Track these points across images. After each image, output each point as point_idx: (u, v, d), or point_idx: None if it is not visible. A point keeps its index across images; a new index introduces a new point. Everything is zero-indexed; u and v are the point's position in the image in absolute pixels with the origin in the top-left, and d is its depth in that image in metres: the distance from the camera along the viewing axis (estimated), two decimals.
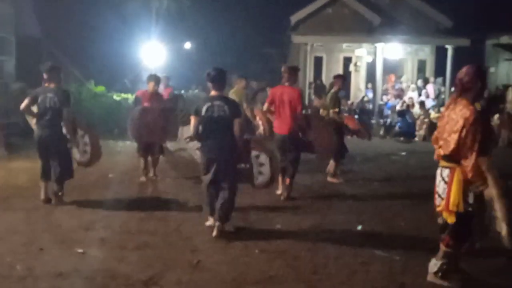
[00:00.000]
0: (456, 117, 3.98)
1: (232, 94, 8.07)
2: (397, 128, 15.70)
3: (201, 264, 4.61)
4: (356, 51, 19.71)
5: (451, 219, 4.06)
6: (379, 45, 17.79)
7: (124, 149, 11.46)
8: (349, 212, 6.55)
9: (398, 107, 16.70)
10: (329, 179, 8.43)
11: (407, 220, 6.29)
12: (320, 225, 5.95)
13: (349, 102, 17.96)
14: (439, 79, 18.54)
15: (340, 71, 19.61)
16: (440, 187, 4.18)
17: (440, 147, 4.19)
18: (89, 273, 4.35)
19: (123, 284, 4.16)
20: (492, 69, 21.84)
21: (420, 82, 18.77)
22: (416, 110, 16.35)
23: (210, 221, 5.64)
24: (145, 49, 17.80)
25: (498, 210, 3.87)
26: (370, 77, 18.78)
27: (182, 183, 8.21)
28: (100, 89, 15.53)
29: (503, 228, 3.85)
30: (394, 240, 5.43)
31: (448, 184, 4.08)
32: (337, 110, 8.35)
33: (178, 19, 20.46)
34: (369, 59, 19.17)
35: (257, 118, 8.13)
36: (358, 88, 19.27)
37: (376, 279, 4.37)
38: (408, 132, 15.38)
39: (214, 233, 5.33)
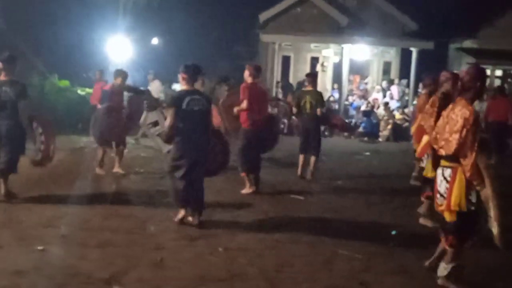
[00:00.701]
0: (456, 117, 4.04)
1: None
2: (361, 128, 15.91)
3: (164, 262, 4.58)
4: (323, 51, 19.88)
5: (451, 218, 4.11)
6: (346, 46, 17.99)
7: (87, 145, 11.27)
8: (312, 211, 6.61)
9: (363, 108, 16.92)
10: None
11: (369, 219, 6.38)
12: (284, 223, 5.98)
13: None
14: (404, 81, 18.87)
15: (307, 70, 19.71)
16: (442, 186, 4.20)
17: (440, 147, 4.22)
18: (49, 271, 4.26)
19: (83, 282, 4.09)
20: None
21: (384, 84, 19.06)
22: (381, 111, 16.60)
23: (181, 214, 5.66)
24: (111, 43, 17.51)
25: (492, 209, 3.92)
26: (337, 77, 18.97)
27: (147, 178, 8.14)
28: (64, 83, 15.21)
29: (495, 228, 3.92)
30: (356, 239, 5.49)
31: (450, 183, 4.11)
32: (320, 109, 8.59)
33: (146, 14, 20.20)
34: (336, 59, 19.36)
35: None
36: (325, 88, 19.42)
37: (338, 277, 4.42)
38: (372, 133, 15.60)
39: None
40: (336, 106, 17.69)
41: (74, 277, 4.18)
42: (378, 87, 18.87)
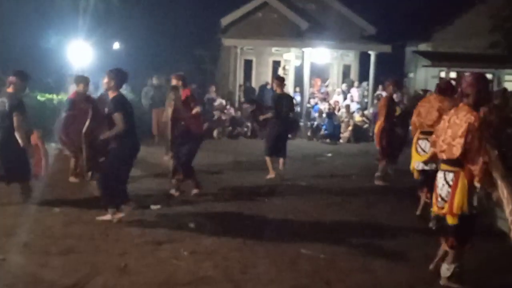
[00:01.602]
0: (460, 122, 4.04)
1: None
2: (323, 130, 16.07)
3: (129, 268, 4.53)
4: (284, 55, 20.00)
5: (453, 221, 4.14)
6: (307, 50, 18.14)
7: (49, 151, 10.98)
8: (276, 212, 6.64)
9: (324, 110, 17.09)
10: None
11: (332, 219, 6.45)
12: (249, 225, 5.99)
13: None
14: (363, 84, 19.15)
15: (269, 74, 19.90)
16: (443, 190, 4.21)
17: (442, 151, 4.23)
18: (10, 280, 4.15)
19: None
20: (411, 75, 22.88)
21: (344, 86, 19.29)
22: (341, 113, 16.81)
23: (124, 211, 5.83)
24: (71, 48, 17.17)
25: (507, 210, 3.89)
26: (298, 80, 19.10)
27: None
28: None
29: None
30: (319, 239, 5.54)
31: (453, 187, 4.12)
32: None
33: (106, 18, 19.88)
34: (297, 63, 19.49)
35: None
36: (287, 91, 19.55)
37: (303, 277, 4.46)
38: (333, 135, 15.77)
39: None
40: (299, 109, 17.82)
41: (36, 285, 4.08)
42: (339, 89, 19.09)
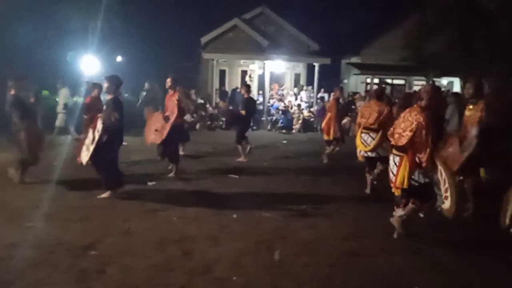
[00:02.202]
0: (412, 120, 4.06)
1: None
2: (280, 123, 16.12)
3: (132, 230, 4.47)
4: (250, 66, 19.92)
5: (397, 192, 4.23)
6: (267, 62, 18.09)
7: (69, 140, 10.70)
8: (244, 186, 6.63)
9: (280, 108, 17.14)
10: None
11: (287, 190, 6.48)
12: (225, 196, 5.98)
13: None
14: (310, 88, 19.26)
15: (239, 80, 19.86)
16: (394, 169, 4.25)
17: (395, 139, 4.25)
18: (37, 242, 4.05)
19: (67, 249, 3.92)
20: (345, 81, 23.10)
21: (296, 90, 19.38)
22: (294, 110, 16.89)
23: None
24: (84, 60, 16.68)
25: (443, 188, 3.98)
26: (261, 85, 19.09)
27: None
28: (45, 92, 14.32)
29: (447, 202, 3.98)
30: (277, 205, 5.59)
31: (398, 168, 4.17)
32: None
33: (110, 36, 19.31)
34: (260, 72, 19.44)
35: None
36: (252, 93, 19.50)
37: (265, 234, 4.50)
38: (288, 126, 15.84)
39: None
40: (261, 107, 17.81)
41: (60, 246, 3.99)
42: (291, 92, 19.19)
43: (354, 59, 21.70)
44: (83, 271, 3.52)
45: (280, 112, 16.69)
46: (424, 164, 4.01)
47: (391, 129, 4.46)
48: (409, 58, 15.91)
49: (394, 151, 4.32)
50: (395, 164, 4.24)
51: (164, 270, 3.59)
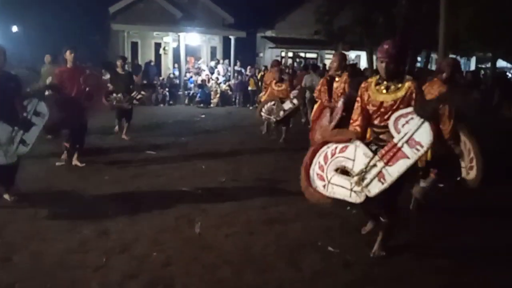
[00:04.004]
0: (434, 92, 4.02)
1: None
2: (197, 97, 15.94)
3: (39, 215, 4.18)
4: (164, 38, 19.18)
5: (421, 164, 4.03)
6: (182, 34, 17.59)
7: None
8: (162, 161, 6.49)
9: (198, 82, 16.91)
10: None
11: (206, 164, 6.43)
12: (141, 173, 5.79)
13: (161, 78, 17.58)
14: (226, 61, 19.19)
15: (152, 54, 19.08)
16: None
17: None
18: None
19: None
20: (261, 54, 23.38)
21: (213, 63, 19.19)
22: (211, 84, 16.77)
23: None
24: None
25: (467, 158, 3.96)
26: (176, 58, 18.57)
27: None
28: None
29: (472, 172, 4.00)
30: (197, 180, 5.56)
31: None
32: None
33: (3, 3, 17.23)
34: (175, 45, 18.83)
35: None
36: (167, 67, 18.90)
37: (186, 208, 4.45)
38: (205, 100, 15.73)
39: None
40: (177, 81, 17.40)
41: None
42: (208, 66, 18.97)
43: (269, 33, 21.98)
44: None
45: (197, 86, 16.47)
46: (447, 136, 4.00)
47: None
48: (320, 33, 16.52)
49: None
50: None
51: (78, 252, 3.43)
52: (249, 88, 16.38)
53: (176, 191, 5.05)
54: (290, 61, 21.47)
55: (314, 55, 22.62)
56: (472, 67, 22.91)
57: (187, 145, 7.92)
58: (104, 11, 18.90)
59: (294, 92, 8.12)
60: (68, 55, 5.83)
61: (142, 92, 8.38)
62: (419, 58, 16.00)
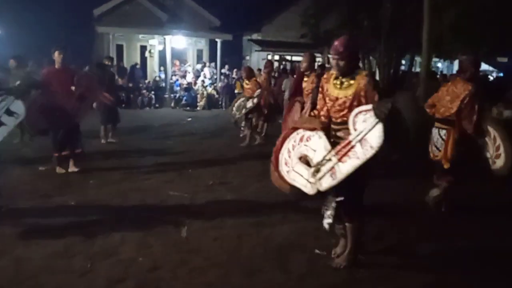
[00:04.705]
0: (459, 91, 4.10)
1: None
2: (184, 100, 15.88)
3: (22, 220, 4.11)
4: (150, 41, 19.07)
5: (447, 165, 4.21)
6: (168, 37, 17.52)
7: None
8: (147, 162, 6.44)
9: (184, 85, 16.85)
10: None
11: (194, 167, 6.39)
12: (128, 177, 5.75)
13: (147, 81, 17.46)
14: (213, 64, 19.18)
15: (138, 57, 18.96)
16: (438, 142, 4.25)
17: (439, 113, 4.24)
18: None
19: None
20: (247, 57, 23.40)
21: (199, 66, 19.16)
22: (198, 87, 16.72)
23: None
24: None
25: (493, 148, 4.04)
26: (162, 61, 18.47)
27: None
28: None
29: (500, 161, 4.04)
30: (184, 183, 5.56)
31: (446, 141, 4.18)
32: None
33: None
34: (161, 47, 18.75)
35: None
36: (153, 70, 18.80)
37: (173, 212, 4.44)
38: (192, 104, 15.69)
39: None
40: (163, 84, 17.32)
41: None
42: (195, 69, 18.92)
43: (255, 36, 22.01)
44: None
45: (184, 89, 16.41)
46: (472, 132, 4.07)
47: (429, 101, 4.50)
48: (306, 36, 16.61)
49: (439, 124, 4.33)
50: (441, 137, 4.30)
51: (64, 257, 3.38)
52: (236, 91, 16.41)
53: (163, 194, 5.01)
54: (276, 64, 21.52)
55: (300, 58, 22.71)
56: (455, 70, 23.30)
57: (173, 149, 7.88)
58: (89, 13, 18.72)
59: (258, 92, 8.08)
60: (57, 56, 5.66)
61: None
62: (403, 61, 16.17)
